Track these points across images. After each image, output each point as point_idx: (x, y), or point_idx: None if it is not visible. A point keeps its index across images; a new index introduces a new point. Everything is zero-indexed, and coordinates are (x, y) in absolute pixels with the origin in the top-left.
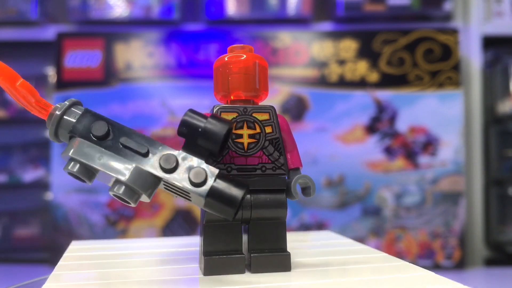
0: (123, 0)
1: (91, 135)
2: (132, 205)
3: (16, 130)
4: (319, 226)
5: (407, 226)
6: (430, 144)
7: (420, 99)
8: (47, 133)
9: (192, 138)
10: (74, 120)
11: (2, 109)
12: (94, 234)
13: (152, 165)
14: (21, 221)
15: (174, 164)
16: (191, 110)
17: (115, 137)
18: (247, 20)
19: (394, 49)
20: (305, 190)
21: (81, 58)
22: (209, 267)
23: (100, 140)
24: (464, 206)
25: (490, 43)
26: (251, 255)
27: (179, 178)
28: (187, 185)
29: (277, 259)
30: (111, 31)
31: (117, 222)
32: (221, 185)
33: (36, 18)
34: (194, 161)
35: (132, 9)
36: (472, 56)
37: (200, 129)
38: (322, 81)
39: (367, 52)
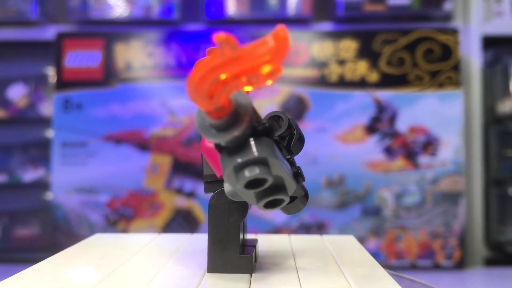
0: (123, 0)
1: (272, 134)
2: (285, 203)
3: (16, 130)
4: (319, 226)
5: (407, 226)
6: (430, 144)
7: (420, 99)
8: (233, 133)
9: (289, 141)
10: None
11: (2, 109)
12: (94, 234)
13: (289, 168)
14: (21, 221)
15: (297, 168)
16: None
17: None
18: (247, 20)
19: (394, 49)
20: None
21: (81, 58)
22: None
23: (277, 141)
24: (464, 206)
25: (490, 43)
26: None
27: (297, 180)
28: (299, 187)
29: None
30: (111, 31)
31: (117, 222)
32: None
33: (36, 18)
34: (294, 163)
35: (132, 9)
36: (472, 56)
37: (297, 134)
38: (322, 81)
39: (367, 52)
